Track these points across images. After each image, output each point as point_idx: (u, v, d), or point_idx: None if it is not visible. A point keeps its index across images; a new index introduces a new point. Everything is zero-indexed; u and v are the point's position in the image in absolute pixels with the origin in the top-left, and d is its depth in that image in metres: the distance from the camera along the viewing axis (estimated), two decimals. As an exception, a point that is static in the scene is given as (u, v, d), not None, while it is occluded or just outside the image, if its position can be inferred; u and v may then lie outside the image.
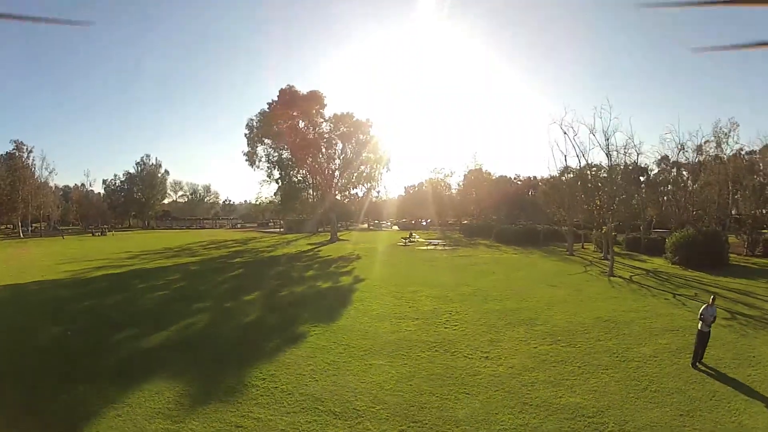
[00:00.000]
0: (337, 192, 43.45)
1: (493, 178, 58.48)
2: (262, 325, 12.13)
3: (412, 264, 24.47)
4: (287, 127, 38.73)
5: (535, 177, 62.44)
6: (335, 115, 40.48)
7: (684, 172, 37.44)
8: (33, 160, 54.36)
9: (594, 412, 6.45)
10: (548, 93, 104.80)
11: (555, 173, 31.95)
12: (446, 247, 34.34)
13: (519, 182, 64.13)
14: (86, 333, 10.91)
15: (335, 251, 31.24)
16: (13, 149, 53.09)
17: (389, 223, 72.22)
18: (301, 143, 38.96)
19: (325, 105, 40.00)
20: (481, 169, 57.33)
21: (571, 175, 30.34)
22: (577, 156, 25.65)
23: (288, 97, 38.32)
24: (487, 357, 9.10)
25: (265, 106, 40.08)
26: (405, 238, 37.66)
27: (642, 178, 36.05)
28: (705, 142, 32.10)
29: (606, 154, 22.34)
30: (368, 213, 62.98)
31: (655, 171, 37.86)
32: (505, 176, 61.38)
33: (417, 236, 42.45)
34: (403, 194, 69.22)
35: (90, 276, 20.15)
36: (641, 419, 6.26)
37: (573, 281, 18.87)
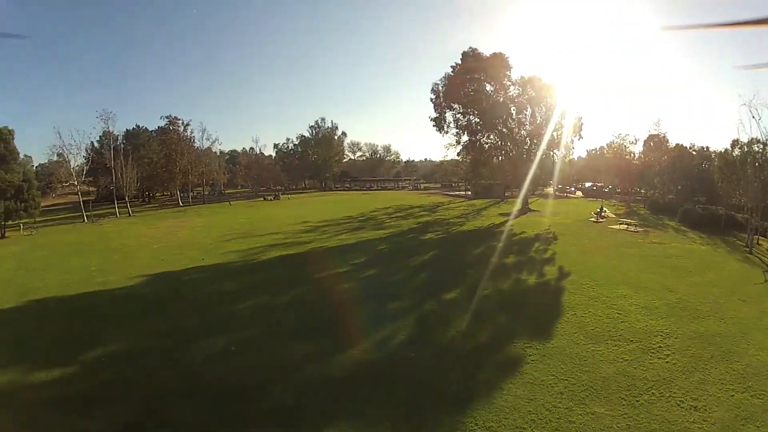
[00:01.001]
0: (528, 159, 57.97)
1: (671, 146, 75.07)
2: (470, 341, 15.83)
3: (609, 252, 33.46)
4: (474, 90, 55.45)
5: (708, 148, 78.87)
6: (522, 78, 56.12)
7: None
8: (192, 132, 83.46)
9: None
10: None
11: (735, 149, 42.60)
12: (638, 229, 45.87)
13: (694, 152, 78.80)
14: (253, 348, 14.35)
15: (529, 226, 42.93)
16: (167, 124, 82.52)
17: (574, 189, 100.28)
18: (491, 107, 55.27)
19: (511, 67, 55.82)
20: (663, 136, 75.33)
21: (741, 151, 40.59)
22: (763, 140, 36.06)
23: (472, 61, 54.85)
24: (695, 408, 13.21)
25: (449, 70, 56.90)
26: (596, 213, 52.31)
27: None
28: None
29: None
30: (551, 176, 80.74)
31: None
32: (682, 145, 77.26)
33: (607, 210, 56.52)
34: (585, 157, 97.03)
35: (261, 259, 26.47)
36: None
37: (759, 295, 24.61)
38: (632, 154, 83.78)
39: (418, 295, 20.66)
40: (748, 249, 38.87)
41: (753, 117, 37.21)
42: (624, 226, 47.15)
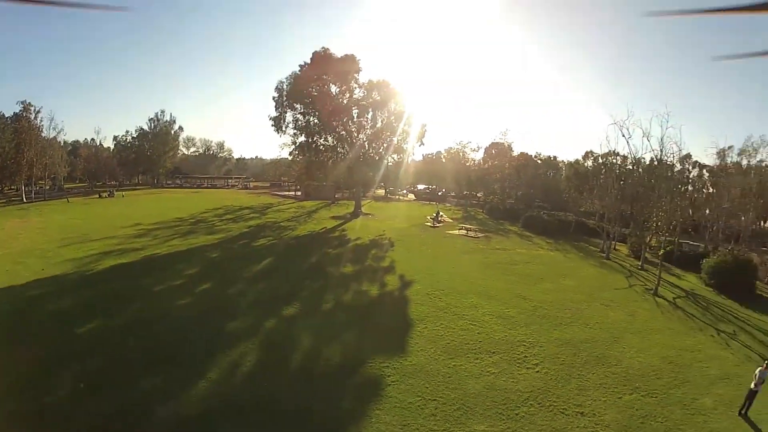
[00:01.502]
0: (364, 162, 66.21)
1: (514, 154, 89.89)
2: (323, 364, 17.20)
3: (452, 259, 37.64)
4: (319, 91, 62.72)
5: (555, 157, 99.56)
6: (370, 81, 64.49)
7: (705, 173, 65.99)
8: (41, 120, 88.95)
9: None
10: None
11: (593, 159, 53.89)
12: (478, 234, 51.64)
13: (539, 161, 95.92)
14: (101, 385, 15.41)
15: (363, 231, 47.83)
16: (21, 110, 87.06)
17: (406, 192, 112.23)
18: (333, 109, 62.48)
19: (360, 70, 64.25)
20: (507, 144, 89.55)
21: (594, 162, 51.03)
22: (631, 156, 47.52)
23: (322, 60, 62.10)
24: (582, 413, 15.85)
25: (297, 69, 64.70)
26: (432, 218, 59.46)
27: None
28: (728, 147, 58.70)
29: (657, 159, 41.00)
30: (384, 179, 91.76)
31: (678, 168, 61.07)
32: (527, 153, 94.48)
33: (443, 215, 64.11)
34: (421, 160, 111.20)
35: (97, 269, 29.42)
36: None
37: (622, 299, 31.30)
38: (472, 161, 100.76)
39: (258, 311, 22.33)
40: (604, 255, 47.53)
41: (623, 135, 47.18)
42: (464, 231, 52.92)
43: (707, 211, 57.93)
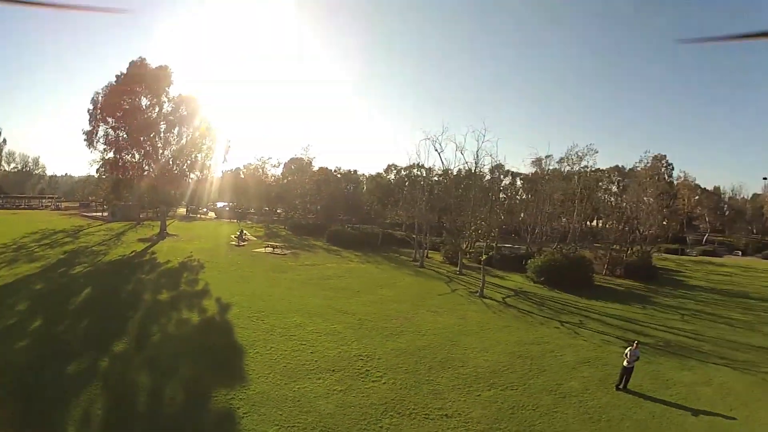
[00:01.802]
0: (169, 180, 70.69)
1: (314, 169, 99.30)
2: (169, 404, 17.23)
3: (264, 278, 40.34)
4: (131, 104, 66.07)
5: (356, 171, 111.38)
6: (180, 95, 68.83)
7: (518, 181, 79.93)
8: None
9: None
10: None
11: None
12: (285, 251, 55.56)
13: (339, 175, 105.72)
14: None
15: (172, 254, 49.99)
16: None
17: (206, 210, 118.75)
18: (142, 123, 65.97)
19: (172, 83, 68.51)
20: (308, 159, 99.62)
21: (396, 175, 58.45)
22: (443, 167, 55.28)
23: (137, 71, 66.02)
24: (447, 415, 17.00)
25: (114, 79, 67.22)
26: (237, 237, 64.09)
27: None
28: (546, 157, 70.22)
29: (470, 170, 47.03)
30: (188, 197, 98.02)
31: (487, 177, 71.38)
32: (326, 168, 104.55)
33: (247, 233, 68.86)
34: (222, 177, 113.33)
35: None
36: None
37: (449, 304, 34.31)
38: (272, 177, 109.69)
39: (90, 350, 22.05)
40: (418, 263, 52.31)
41: (436, 150, 54.44)
42: (270, 249, 56.47)
43: (522, 216, 66.13)
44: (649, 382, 22.11)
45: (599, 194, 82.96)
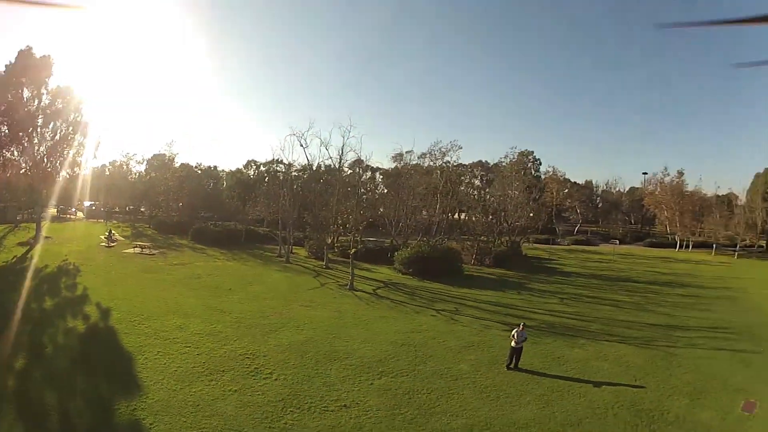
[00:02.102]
0: (41, 179, 72.38)
1: (176, 165, 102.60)
2: (78, 422, 17.49)
3: (137, 279, 42.12)
4: (14, 96, 67.40)
5: (216, 167, 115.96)
6: (58, 87, 70.45)
7: (378, 176, 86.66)
8: None
9: (484, 419, 17.98)
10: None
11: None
12: (153, 251, 58.96)
13: (199, 171, 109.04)
14: None
15: (49, 258, 51.81)
16: None
17: (75, 210, 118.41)
18: (22, 117, 67.02)
19: (52, 74, 69.68)
20: (170, 156, 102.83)
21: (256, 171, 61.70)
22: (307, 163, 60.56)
23: (24, 62, 67.65)
24: (345, 406, 18.60)
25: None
26: (106, 237, 67.11)
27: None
28: (407, 152, 79.10)
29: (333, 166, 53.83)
30: (58, 196, 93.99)
31: (348, 172, 76.60)
32: (188, 164, 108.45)
33: (115, 233, 71.87)
34: (90, 175, 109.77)
35: None
36: (513, 417, 18.28)
37: (321, 298, 36.84)
38: (136, 173, 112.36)
39: None
40: (284, 259, 56.67)
41: (301, 145, 58.09)
42: (138, 249, 59.75)
43: (381, 210, 70.57)
44: (540, 360, 25.08)
45: (462, 188, 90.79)
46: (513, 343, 24.22)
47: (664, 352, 27.50)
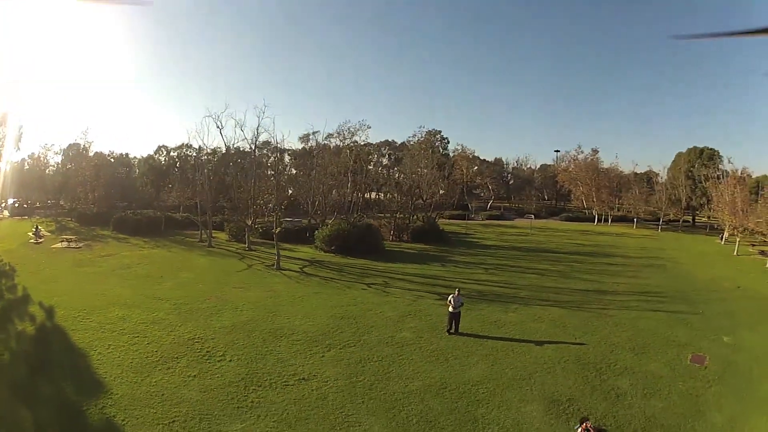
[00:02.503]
0: None
1: (90, 154, 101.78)
2: (43, 426, 17.18)
3: (72, 274, 41.58)
4: None
5: (128, 154, 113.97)
6: None
7: (287, 157, 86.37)
8: None
9: (439, 380, 19.41)
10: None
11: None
12: (79, 244, 58.21)
13: (112, 159, 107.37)
14: None
15: None
16: None
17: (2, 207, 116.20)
18: None
19: None
20: (85, 145, 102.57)
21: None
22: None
23: None
24: (304, 379, 19.73)
25: None
26: (34, 233, 64.77)
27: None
28: (314, 132, 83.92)
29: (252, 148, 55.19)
30: None
31: (257, 153, 77.25)
32: (101, 153, 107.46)
33: (41, 229, 69.33)
34: (8, 171, 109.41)
35: None
36: (465, 376, 19.76)
37: (252, 280, 37.61)
38: (54, 165, 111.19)
39: None
40: (206, 244, 57.40)
41: (217, 126, 57.63)
42: (65, 244, 58.84)
43: (290, 191, 70.81)
44: (479, 325, 26.97)
45: (371, 167, 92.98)
46: (450, 309, 25.99)
47: (598, 313, 29.95)
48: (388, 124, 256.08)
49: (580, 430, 15.69)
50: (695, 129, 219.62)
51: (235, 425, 16.68)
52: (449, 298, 26.34)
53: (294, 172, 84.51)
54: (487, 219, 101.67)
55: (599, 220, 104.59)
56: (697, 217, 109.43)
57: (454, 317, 25.83)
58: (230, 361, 21.92)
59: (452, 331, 25.75)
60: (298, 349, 23.05)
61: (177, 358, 22.26)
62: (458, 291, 26.28)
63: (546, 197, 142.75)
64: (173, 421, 17.09)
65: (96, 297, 33.24)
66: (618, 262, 51.11)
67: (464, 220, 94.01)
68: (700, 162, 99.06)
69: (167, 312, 29.39)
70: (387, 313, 29.26)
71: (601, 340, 24.82)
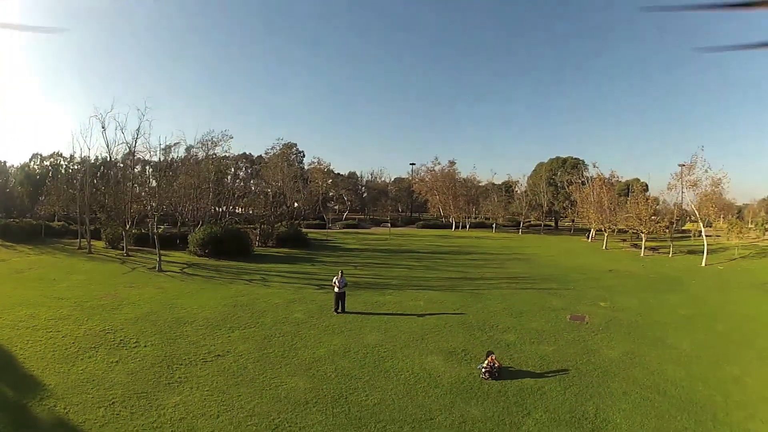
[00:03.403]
0: None
1: None
2: None
3: None
4: None
5: (6, 162, 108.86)
6: None
7: (149, 169, 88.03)
8: None
9: (341, 346, 22.53)
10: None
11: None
12: None
13: None
14: None
15: None
16: None
17: None
18: None
19: None
20: None
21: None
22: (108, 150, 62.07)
23: None
24: (220, 355, 21.52)
25: None
26: None
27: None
28: (174, 144, 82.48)
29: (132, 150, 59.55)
30: None
31: (121, 165, 79.35)
32: None
33: None
34: None
35: None
36: (364, 342, 23.05)
37: (139, 280, 39.20)
38: None
39: None
40: (86, 250, 59.70)
41: (103, 127, 60.42)
42: None
43: (151, 204, 71.62)
44: (361, 305, 30.53)
45: (227, 180, 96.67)
46: (336, 289, 29.41)
47: (470, 293, 34.71)
48: (247, 138, 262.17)
49: (486, 362, 19.04)
50: (555, 141, 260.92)
51: (173, 398, 17.83)
52: (334, 280, 29.68)
53: (154, 184, 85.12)
54: (344, 228, 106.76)
55: (457, 227, 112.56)
56: (560, 222, 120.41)
57: (340, 297, 29.03)
58: (145, 346, 23.16)
59: (339, 310, 29.05)
60: (204, 333, 24.90)
61: (95, 347, 23.08)
62: (341, 272, 29.59)
63: (400, 209, 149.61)
64: (112, 403, 17.76)
65: (0, 298, 33.82)
66: (481, 258, 57.75)
67: (323, 229, 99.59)
68: (563, 170, 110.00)
69: (71, 309, 30.21)
70: (275, 300, 32.37)
71: (480, 311, 29.19)
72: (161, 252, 48.08)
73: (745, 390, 18.73)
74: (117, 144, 63.50)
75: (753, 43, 4.63)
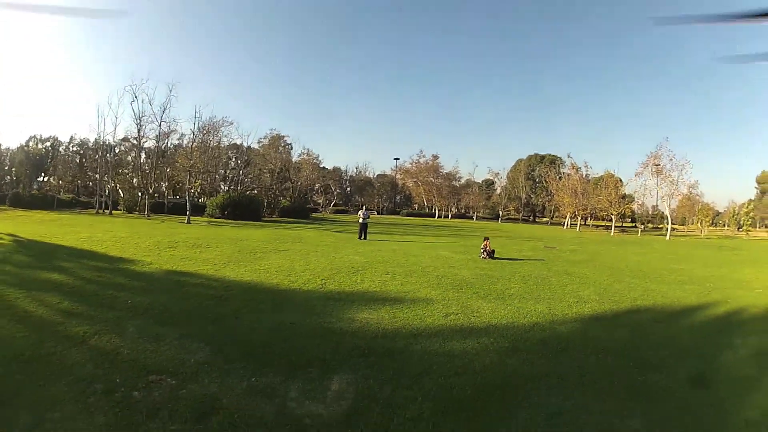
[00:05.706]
0: None
1: None
2: None
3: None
4: None
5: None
6: None
7: (143, 155, 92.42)
8: None
9: (371, 253, 28.58)
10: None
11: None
12: None
13: None
14: None
15: None
16: None
17: None
18: None
19: None
20: None
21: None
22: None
23: None
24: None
25: None
26: None
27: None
28: (171, 131, 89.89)
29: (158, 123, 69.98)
30: None
31: (120, 149, 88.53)
32: None
33: None
34: None
35: None
36: (395, 249, 30.01)
37: (178, 227, 43.78)
38: None
39: None
40: (106, 213, 68.28)
41: (135, 98, 70.42)
42: None
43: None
44: (378, 240, 37.99)
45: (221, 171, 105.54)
46: (360, 220, 38.21)
47: (462, 237, 46.65)
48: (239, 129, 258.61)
49: (483, 245, 28.51)
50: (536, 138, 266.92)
51: (266, 262, 22.91)
52: (359, 213, 38.89)
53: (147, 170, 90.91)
54: (334, 213, 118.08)
55: (440, 216, 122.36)
56: (538, 219, 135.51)
57: (363, 228, 37.28)
58: (217, 247, 28.03)
59: (362, 238, 36.66)
60: (263, 244, 31.29)
61: (172, 247, 27.33)
62: (365, 207, 37.25)
63: (384, 203, 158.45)
64: (215, 264, 21.49)
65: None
66: (468, 229, 68.34)
67: (317, 212, 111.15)
68: (542, 166, 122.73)
69: (130, 233, 35.19)
70: (307, 234, 42.38)
71: (474, 245, 35.88)
72: (178, 219, 56.25)
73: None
74: (142, 116, 72.03)
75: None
